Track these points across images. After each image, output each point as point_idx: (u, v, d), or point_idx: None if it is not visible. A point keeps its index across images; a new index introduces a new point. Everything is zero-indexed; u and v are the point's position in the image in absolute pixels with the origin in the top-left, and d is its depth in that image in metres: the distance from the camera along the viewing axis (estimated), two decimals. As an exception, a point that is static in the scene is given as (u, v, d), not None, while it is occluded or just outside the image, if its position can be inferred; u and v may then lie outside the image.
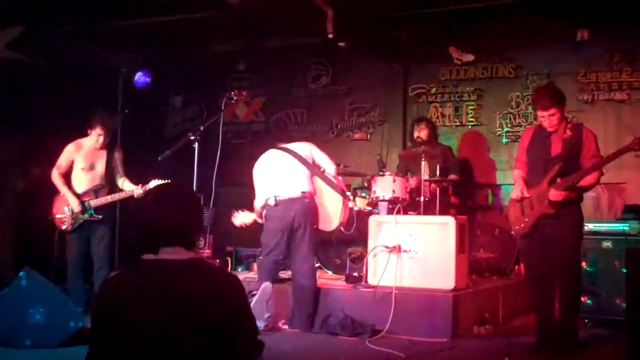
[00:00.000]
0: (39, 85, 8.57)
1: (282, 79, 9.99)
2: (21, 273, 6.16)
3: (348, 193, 7.20)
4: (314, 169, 6.81)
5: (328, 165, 6.90)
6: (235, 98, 6.75)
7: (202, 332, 2.56)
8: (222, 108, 6.65)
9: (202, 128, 6.22)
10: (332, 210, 6.81)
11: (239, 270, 8.35)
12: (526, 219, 5.69)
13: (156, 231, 2.71)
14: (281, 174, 6.71)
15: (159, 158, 6.23)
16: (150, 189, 2.84)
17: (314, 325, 6.52)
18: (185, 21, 8.37)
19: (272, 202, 6.60)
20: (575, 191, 5.56)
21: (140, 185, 7.12)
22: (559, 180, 5.50)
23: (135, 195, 7.10)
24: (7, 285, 6.37)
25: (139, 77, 8.95)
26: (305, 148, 6.91)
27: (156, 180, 7.02)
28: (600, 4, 7.87)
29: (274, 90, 10.08)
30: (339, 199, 6.82)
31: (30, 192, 8.60)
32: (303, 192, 6.60)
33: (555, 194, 5.48)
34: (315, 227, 6.70)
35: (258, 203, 6.75)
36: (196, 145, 6.08)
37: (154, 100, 9.99)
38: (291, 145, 6.90)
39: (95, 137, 7.16)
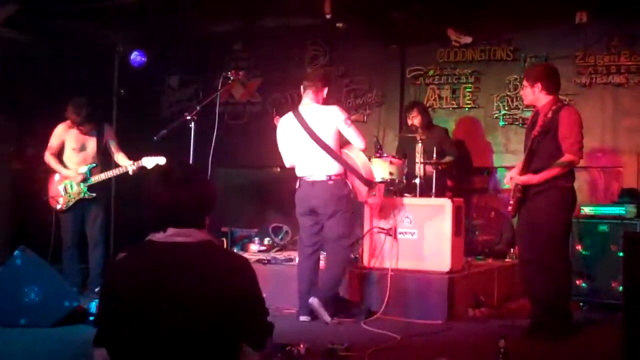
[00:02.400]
0: (34, 65, 8.52)
1: (279, 59, 9.93)
2: (16, 252, 6.16)
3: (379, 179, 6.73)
4: (336, 149, 6.29)
5: (356, 142, 6.34)
6: (232, 78, 6.71)
7: (212, 315, 2.54)
8: (219, 88, 6.62)
9: (198, 108, 6.19)
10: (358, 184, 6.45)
11: (235, 250, 8.33)
12: (511, 202, 5.80)
13: (167, 212, 2.66)
14: (302, 152, 6.30)
15: (155, 138, 6.20)
16: (160, 168, 2.79)
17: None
18: (182, 0, 8.31)
19: (297, 184, 6.41)
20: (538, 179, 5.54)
21: (133, 162, 7.13)
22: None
23: (130, 172, 7.12)
24: (2, 264, 6.36)
25: (135, 56, 8.88)
26: (331, 115, 6.29)
27: (148, 157, 7.02)
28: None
29: (271, 71, 10.03)
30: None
31: (26, 173, 8.58)
32: (328, 176, 6.21)
33: (516, 179, 5.66)
34: (344, 209, 6.27)
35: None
36: (192, 125, 6.05)
37: (150, 80, 9.92)
38: (314, 112, 6.31)
39: (76, 129, 7.24)
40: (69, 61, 8.56)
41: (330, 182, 6.20)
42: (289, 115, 6.40)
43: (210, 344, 2.56)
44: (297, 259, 6.73)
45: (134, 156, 7.24)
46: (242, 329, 2.62)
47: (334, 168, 6.23)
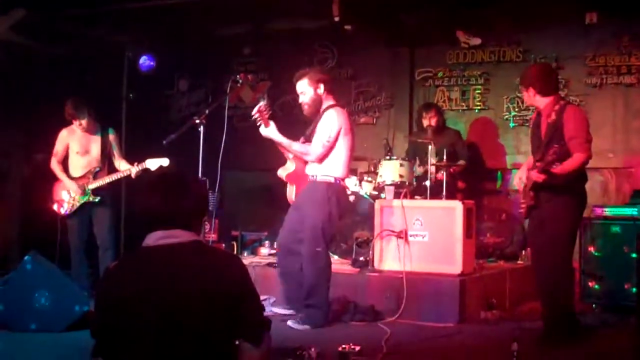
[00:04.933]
0: (43, 69, 8.54)
1: (288, 62, 9.91)
2: (26, 257, 6.15)
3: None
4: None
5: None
6: (241, 81, 6.70)
7: (205, 314, 2.55)
8: (228, 91, 6.60)
9: (207, 111, 6.17)
10: None
11: (245, 254, 8.32)
12: (522, 204, 5.67)
13: (152, 216, 2.69)
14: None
15: (164, 142, 6.19)
16: (151, 175, 2.81)
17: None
18: (191, 4, 8.32)
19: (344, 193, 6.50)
20: (551, 177, 5.33)
21: (136, 163, 7.13)
22: (537, 164, 5.44)
23: (133, 175, 7.11)
24: (12, 269, 6.36)
25: (144, 60, 8.90)
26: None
27: (152, 159, 7.01)
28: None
29: (279, 74, 10.01)
30: None
31: (35, 178, 8.60)
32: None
33: (535, 176, 5.39)
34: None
35: None
36: (201, 129, 6.04)
37: (159, 84, 9.94)
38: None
39: (77, 127, 7.22)
40: (78, 65, 8.57)
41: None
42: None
43: (206, 343, 2.56)
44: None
45: (142, 160, 7.23)
46: (237, 325, 2.62)
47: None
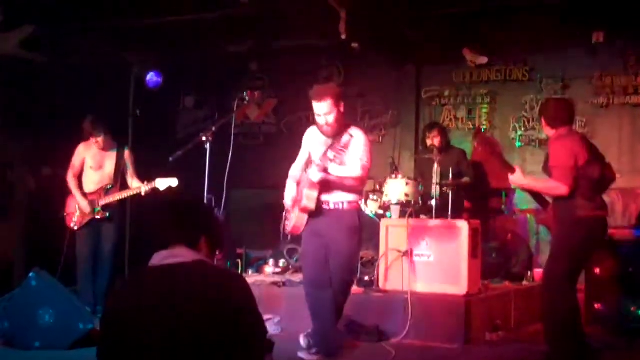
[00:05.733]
0: (51, 85, 8.56)
1: (294, 80, 9.94)
2: (31, 274, 6.14)
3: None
4: None
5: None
6: (247, 98, 6.72)
7: (207, 334, 2.54)
8: (234, 109, 6.61)
9: (213, 129, 6.17)
10: None
11: (250, 272, 8.29)
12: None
13: (159, 238, 2.71)
14: None
15: (171, 159, 6.20)
16: (160, 199, 2.82)
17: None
18: (198, 21, 8.34)
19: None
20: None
21: (145, 182, 7.15)
22: None
23: (142, 193, 7.14)
24: (17, 285, 6.35)
25: (151, 77, 8.93)
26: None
27: (162, 178, 7.02)
28: (615, 6, 7.78)
29: (286, 92, 10.04)
30: None
31: (42, 192, 8.61)
32: None
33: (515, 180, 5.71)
34: None
35: None
36: (208, 146, 6.04)
37: (165, 101, 9.96)
38: None
39: (94, 144, 7.29)
40: (85, 82, 8.59)
41: None
42: None
43: None
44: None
45: (149, 177, 7.25)
46: (239, 346, 2.61)
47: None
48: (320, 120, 5.55)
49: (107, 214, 7.27)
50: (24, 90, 8.49)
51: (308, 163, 5.72)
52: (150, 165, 7.40)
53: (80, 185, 7.35)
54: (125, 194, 7.29)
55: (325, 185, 5.47)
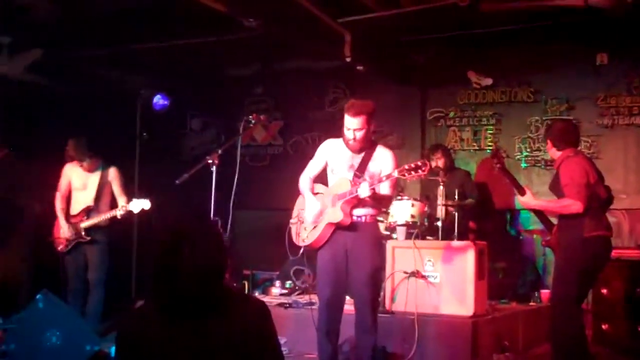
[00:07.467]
0: (58, 109, 8.61)
1: (299, 102, 9.99)
2: (38, 296, 6.13)
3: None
4: None
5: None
6: (253, 121, 6.72)
7: None
8: (240, 131, 6.63)
9: (220, 151, 6.18)
10: None
11: (256, 293, 8.29)
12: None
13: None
14: None
15: (177, 181, 6.22)
16: (170, 222, 2.67)
17: None
18: (204, 45, 8.41)
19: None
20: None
21: (122, 206, 7.12)
22: None
23: (118, 216, 7.09)
24: (23, 307, 6.35)
25: (157, 100, 8.97)
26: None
27: (136, 200, 7.00)
28: (619, 27, 7.82)
29: (291, 114, 10.08)
30: None
31: (47, 215, 8.62)
32: None
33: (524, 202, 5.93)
34: None
35: None
36: (214, 168, 6.05)
37: (172, 123, 10.01)
38: None
39: (79, 165, 7.32)
40: (92, 104, 8.64)
41: None
42: None
43: None
44: (318, 303, 6.51)
45: (155, 199, 7.23)
46: None
47: None
48: (348, 134, 5.45)
49: (88, 238, 7.23)
50: (31, 114, 8.54)
51: (320, 175, 5.68)
52: (157, 188, 7.41)
53: (68, 207, 7.35)
54: (104, 216, 7.20)
55: (365, 201, 5.39)
